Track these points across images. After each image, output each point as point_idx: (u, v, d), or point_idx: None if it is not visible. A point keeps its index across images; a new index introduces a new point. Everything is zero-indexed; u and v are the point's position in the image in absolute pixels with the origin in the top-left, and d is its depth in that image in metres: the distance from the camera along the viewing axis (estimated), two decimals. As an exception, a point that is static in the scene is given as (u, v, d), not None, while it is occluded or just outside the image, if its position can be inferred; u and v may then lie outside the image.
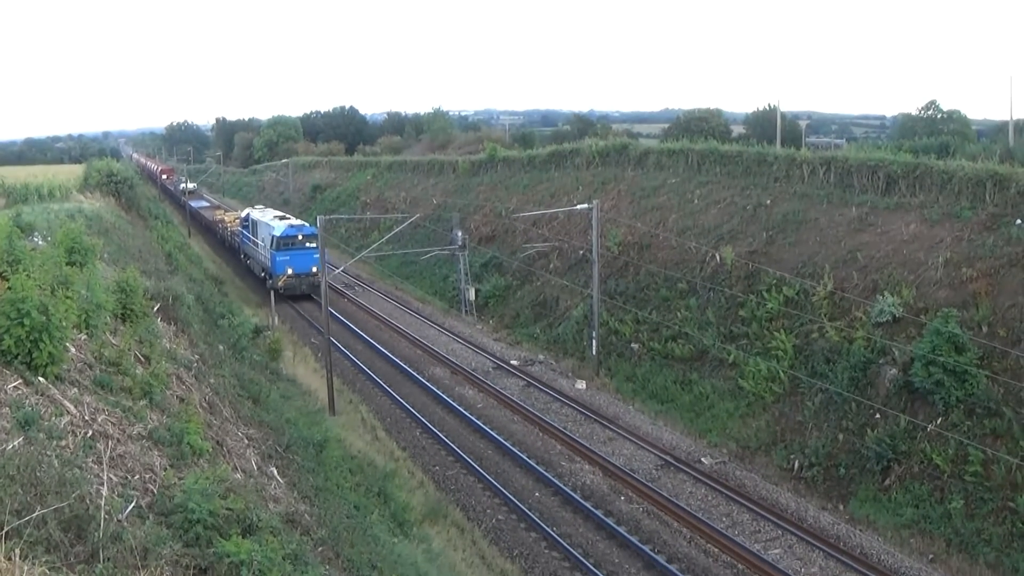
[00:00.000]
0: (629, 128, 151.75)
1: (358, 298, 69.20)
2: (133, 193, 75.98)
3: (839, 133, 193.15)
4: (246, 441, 23.02)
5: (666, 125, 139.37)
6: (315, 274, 63.10)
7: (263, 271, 71.79)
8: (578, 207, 51.41)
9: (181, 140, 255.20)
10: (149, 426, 16.81)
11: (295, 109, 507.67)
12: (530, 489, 33.84)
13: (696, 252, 46.91)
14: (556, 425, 39.42)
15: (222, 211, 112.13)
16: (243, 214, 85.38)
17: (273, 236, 66.89)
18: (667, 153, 58.36)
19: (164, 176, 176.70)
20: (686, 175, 55.12)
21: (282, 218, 73.53)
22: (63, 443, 13.60)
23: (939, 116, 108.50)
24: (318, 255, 58.00)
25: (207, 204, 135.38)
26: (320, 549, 17.17)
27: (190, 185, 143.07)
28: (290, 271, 65.90)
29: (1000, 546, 26.67)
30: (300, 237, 66.76)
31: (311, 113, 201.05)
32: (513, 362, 49.32)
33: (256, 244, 73.84)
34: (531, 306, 56.72)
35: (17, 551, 9.49)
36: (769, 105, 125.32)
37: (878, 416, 32.59)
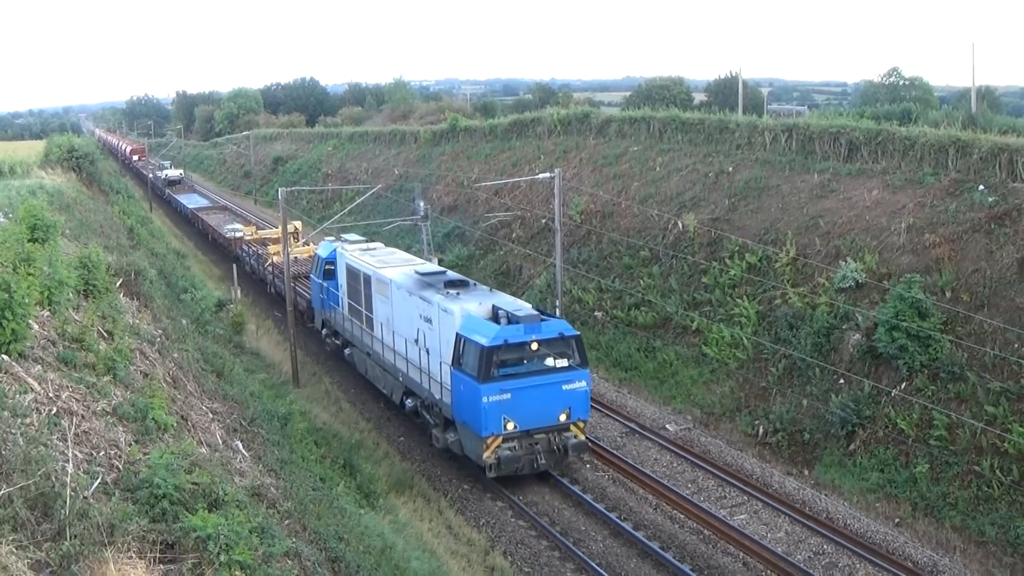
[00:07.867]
0: (591, 96, 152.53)
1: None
2: (94, 168, 75.70)
3: (801, 100, 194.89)
4: (211, 415, 22.96)
5: (628, 93, 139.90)
6: (566, 426, 30.27)
7: (408, 395, 35.34)
8: (540, 176, 51.21)
9: (142, 114, 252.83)
10: (113, 402, 16.74)
11: (255, 81, 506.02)
12: (497, 459, 33.80)
13: (658, 220, 46.98)
14: (522, 395, 39.14)
15: (252, 228, 69.49)
16: (320, 251, 45.65)
17: (465, 342, 29.36)
18: (629, 121, 58.44)
19: (135, 157, 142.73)
20: (648, 143, 55.20)
21: (454, 283, 33.74)
22: (27, 421, 13.53)
23: (901, 83, 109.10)
24: (578, 384, 30.16)
25: (207, 203, 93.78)
26: (287, 522, 17.19)
27: (174, 172, 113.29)
28: (511, 426, 29.14)
29: (966, 509, 26.95)
30: (535, 347, 29.26)
31: (271, 85, 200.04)
32: (478, 332, 48.90)
33: (377, 329, 37.16)
34: (494, 275, 56.58)
35: (-18, 530, 9.43)
36: (731, 73, 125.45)
37: (842, 381, 32.84)
